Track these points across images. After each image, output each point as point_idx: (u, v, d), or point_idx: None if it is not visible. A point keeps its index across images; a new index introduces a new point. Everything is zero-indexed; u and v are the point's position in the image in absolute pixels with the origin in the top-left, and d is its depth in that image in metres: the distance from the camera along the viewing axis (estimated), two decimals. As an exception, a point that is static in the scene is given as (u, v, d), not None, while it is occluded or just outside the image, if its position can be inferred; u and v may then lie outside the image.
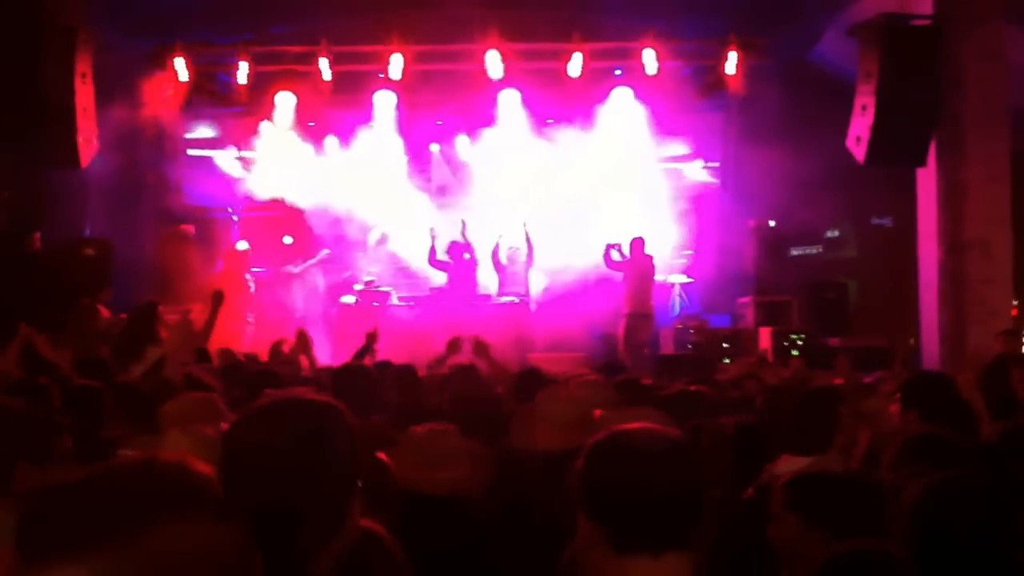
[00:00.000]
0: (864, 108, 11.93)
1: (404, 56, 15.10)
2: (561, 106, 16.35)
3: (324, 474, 2.02)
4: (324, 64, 15.05)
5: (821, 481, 3.67)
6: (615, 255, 14.35)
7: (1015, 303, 13.90)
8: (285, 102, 15.81)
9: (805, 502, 3.47)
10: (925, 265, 12.00)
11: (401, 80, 15.36)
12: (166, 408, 3.86)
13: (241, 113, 16.15)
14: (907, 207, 13.16)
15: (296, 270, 15.09)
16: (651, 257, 14.47)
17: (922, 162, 11.83)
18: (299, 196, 15.74)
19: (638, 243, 14.36)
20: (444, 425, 3.87)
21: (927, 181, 11.99)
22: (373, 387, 5.50)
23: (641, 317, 13.97)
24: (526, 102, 16.06)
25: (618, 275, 14.44)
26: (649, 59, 15.46)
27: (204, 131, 16.91)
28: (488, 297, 14.70)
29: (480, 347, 6.76)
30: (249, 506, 1.57)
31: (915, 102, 11.55)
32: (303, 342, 8.33)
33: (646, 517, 2.08)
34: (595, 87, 16.07)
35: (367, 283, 14.86)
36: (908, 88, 11.56)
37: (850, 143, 12.13)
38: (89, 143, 11.55)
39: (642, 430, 2.25)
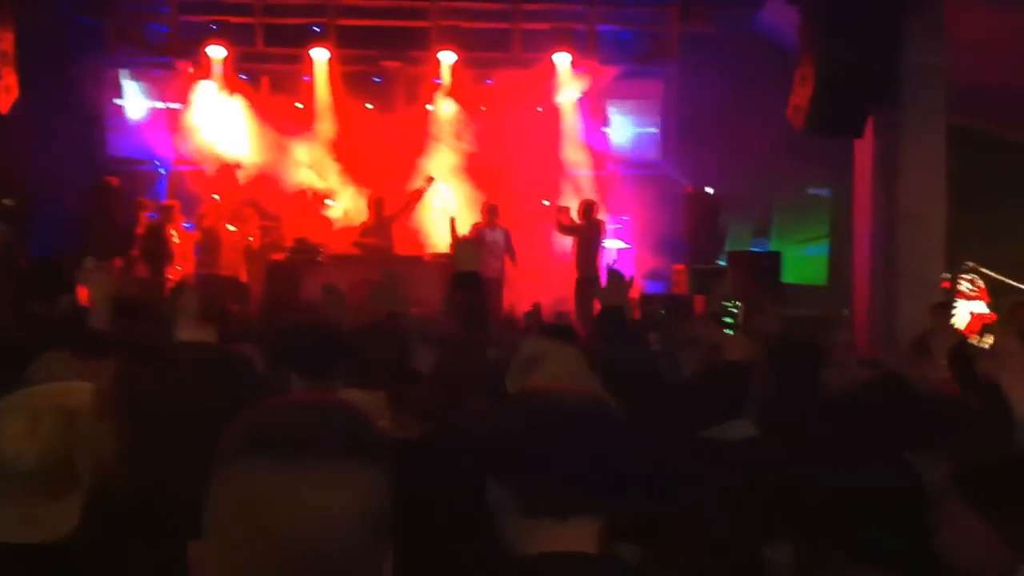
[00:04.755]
0: (804, 78, 11.89)
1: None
2: (501, 68, 16.23)
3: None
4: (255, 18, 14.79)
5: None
6: (565, 219, 14.40)
7: (947, 277, 14.03)
8: (216, 54, 15.45)
9: None
10: (859, 237, 12.04)
11: (336, 38, 15.15)
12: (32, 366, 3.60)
13: (171, 64, 15.78)
14: (847, 179, 13.20)
15: (232, 228, 14.81)
16: (602, 222, 14.58)
17: (859, 134, 11.83)
18: (230, 151, 15.46)
19: (590, 207, 14.43)
20: (375, 391, 3.80)
21: (864, 153, 12.00)
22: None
23: (591, 281, 14.08)
24: (465, 63, 15.86)
25: (568, 239, 14.52)
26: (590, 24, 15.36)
27: (133, 81, 16.50)
28: (421, 256, 14.63)
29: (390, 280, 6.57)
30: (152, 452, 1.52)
31: (854, 73, 11.52)
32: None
33: (553, 479, 1.98)
34: (535, 50, 15.92)
35: (298, 240, 14.63)
36: (848, 59, 11.52)
37: (789, 112, 12.09)
38: (9, 90, 11.17)
39: (557, 390, 2.17)
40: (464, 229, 14.51)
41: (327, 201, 15.66)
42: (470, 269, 11.24)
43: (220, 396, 2.10)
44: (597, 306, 13.81)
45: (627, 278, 7.58)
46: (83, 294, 8.91)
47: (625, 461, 2.16)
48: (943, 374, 6.25)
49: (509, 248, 14.36)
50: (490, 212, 14.50)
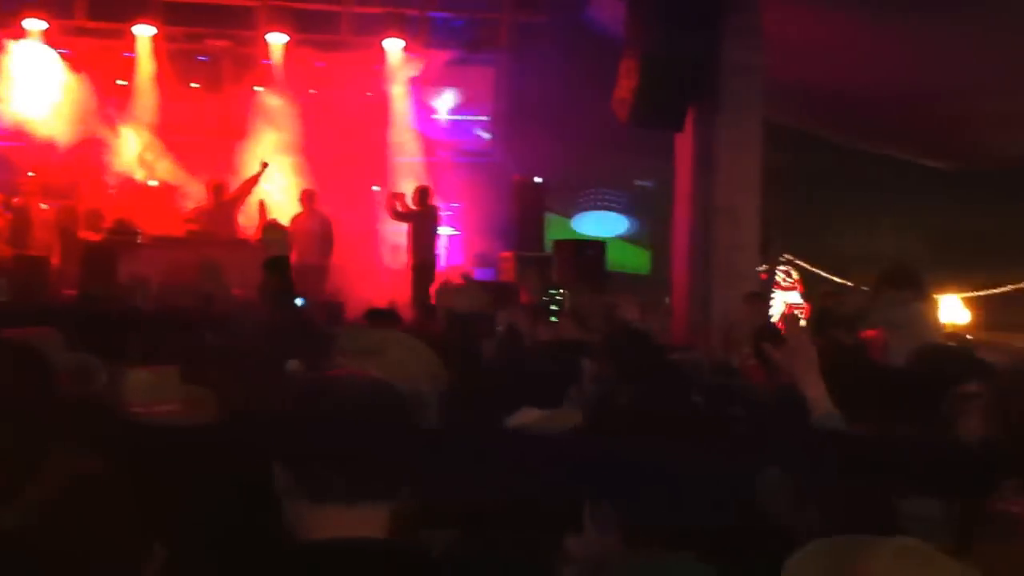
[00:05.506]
0: (628, 71, 12.12)
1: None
2: (331, 51, 16.07)
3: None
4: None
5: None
6: (400, 205, 14.38)
7: (764, 268, 14.54)
8: (34, 26, 14.86)
9: None
10: (679, 228, 12.33)
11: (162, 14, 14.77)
12: None
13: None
14: (670, 171, 13.52)
15: (46, 207, 14.29)
16: (437, 208, 14.60)
17: (680, 127, 12.13)
18: (48, 127, 14.91)
19: (425, 193, 14.45)
20: (166, 367, 3.73)
21: (684, 146, 12.29)
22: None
23: (427, 268, 14.09)
24: (295, 44, 15.67)
25: (402, 226, 14.48)
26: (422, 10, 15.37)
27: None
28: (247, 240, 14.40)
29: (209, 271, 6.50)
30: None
31: (675, 68, 11.79)
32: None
33: (338, 464, 2.00)
34: (366, 33, 15.83)
35: (116, 221, 14.22)
36: (669, 54, 11.79)
37: (614, 104, 12.32)
38: None
39: (346, 377, 2.19)
40: (289, 214, 14.42)
41: (150, 183, 15.28)
42: (278, 253, 11.19)
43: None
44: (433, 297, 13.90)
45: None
46: None
47: (417, 448, 2.19)
48: (752, 362, 6.49)
49: (326, 236, 14.26)
50: (307, 199, 14.39)
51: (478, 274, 15.71)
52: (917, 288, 7.15)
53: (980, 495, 2.73)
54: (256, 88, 15.89)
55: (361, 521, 2.02)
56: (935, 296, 16.22)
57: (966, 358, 5.50)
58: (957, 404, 4.18)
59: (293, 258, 12.42)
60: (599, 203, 17.39)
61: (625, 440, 3.73)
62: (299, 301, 8.43)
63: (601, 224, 17.63)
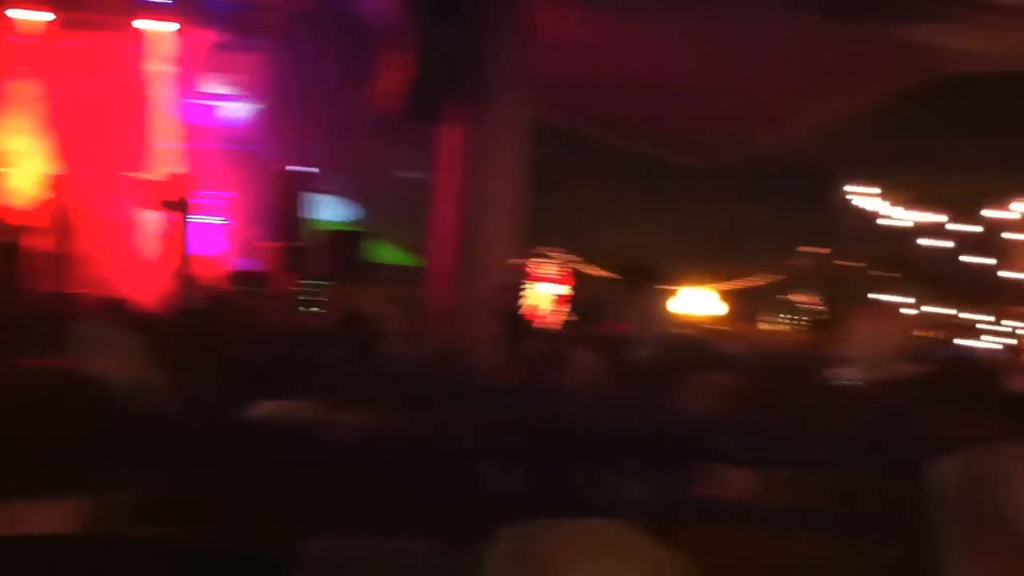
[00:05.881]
0: (397, 63, 12.16)
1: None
2: (91, 31, 15.45)
3: None
4: None
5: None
6: (160, 194, 14.04)
7: (529, 261, 14.86)
8: None
9: None
10: (438, 219, 12.38)
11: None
12: None
13: None
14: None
15: None
16: (196, 197, 14.53)
17: (446, 120, 12.22)
18: None
19: (182, 182, 14.17)
20: None
21: (451, 140, 12.38)
22: None
23: (182, 259, 13.93)
24: (51, 23, 14.99)
25: (163, 216, 14.08)
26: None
27: None
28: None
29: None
30: None
31: (443, 63, 11.88)
32: None
33: (26, 458, 1.92)
34: (128, 13, 15.30)
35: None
36: (438, 48, 11.88)
37: (380, 96, 12.35)
38: None
39: (40, 369, 2.11)
40: (32, 200, 13.88)
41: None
42: (8, 241, 10.88)
43: None
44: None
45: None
46: None
47: (125, 441, 2.13)
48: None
49: (73, 224, 13.77)
50: (52, 185, 13.90)
51: (241, 264, 15.46)
52: (658, 281, 7.46)
53: (690, 478, 2.86)
54: (8, 69, 15.09)
55: (58, 514, 1.95)
56: (682, 288, 17.10)
57: (706, 349, 5.78)
58: (694, 393, 4.39)
59: (36, 246, 11.96)
60: (333, 188, 17.28)
61: (363, 432, 3.74)
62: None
63: (333, 210, 17.58)
